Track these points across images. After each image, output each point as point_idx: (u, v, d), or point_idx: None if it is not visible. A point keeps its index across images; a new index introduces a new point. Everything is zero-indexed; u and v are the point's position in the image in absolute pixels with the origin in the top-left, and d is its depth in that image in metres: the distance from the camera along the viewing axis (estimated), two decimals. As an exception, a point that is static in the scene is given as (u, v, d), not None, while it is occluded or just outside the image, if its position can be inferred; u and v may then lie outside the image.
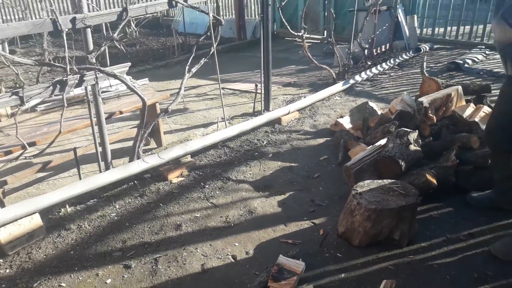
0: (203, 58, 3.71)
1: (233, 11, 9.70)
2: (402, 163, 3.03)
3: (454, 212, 2.92)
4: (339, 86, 5.57)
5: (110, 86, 4.41)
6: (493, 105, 3.93)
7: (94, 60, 2.84)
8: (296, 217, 2.98)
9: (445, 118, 3.61)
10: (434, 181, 2.96)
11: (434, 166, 3.08)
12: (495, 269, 2.38)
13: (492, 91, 4.51)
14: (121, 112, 3.78)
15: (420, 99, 3.59)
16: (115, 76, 2.93)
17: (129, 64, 3.22)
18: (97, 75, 2.89)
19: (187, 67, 3.63)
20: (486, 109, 3.54)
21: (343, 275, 2.41)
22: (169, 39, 9.09)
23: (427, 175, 2.94)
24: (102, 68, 2.84)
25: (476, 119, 3.39)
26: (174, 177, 3.57)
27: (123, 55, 8.01)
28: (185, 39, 8.51)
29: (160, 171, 3.58)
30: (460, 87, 3.75)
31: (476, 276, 2.35)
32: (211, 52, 3.82)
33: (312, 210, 3.05)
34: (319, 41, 8.92)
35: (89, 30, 2.89)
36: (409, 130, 3.25)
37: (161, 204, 3.22)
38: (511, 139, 2.57)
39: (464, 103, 3.73)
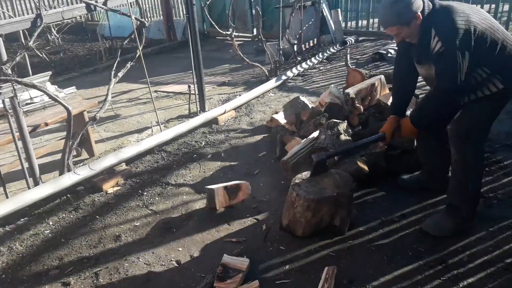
0: (129, 62, 3.62)
1: (161, 12, 9.52)
2: (335, 153, 3.14)
3: (387, 195, 3.08)
4: (272, 83, 5.66)
5: (31, 98, 4.17)
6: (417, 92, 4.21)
7: (9, 71, 2.67)
8: (239, 215, 2.99)
9: (371, 107, 3.80)
10: (366, 167, 3.10)
11: (364, 154, 3.23)
12: (427, 245, 2.55)
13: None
14: (46, 124, 3.59)
15: (346, 91, 3.74)
16: (34, 87, 2.78)
17: (50, 73, 3.07)
18: (15, 87, 2.72)
19: (113, 72, 3.52)
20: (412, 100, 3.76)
21: (287, 266, 2.46)
22: (96, 45, 8.75)
23: (359, 163, 3.08)
24: (19, 79, 2.68)
25: (400, 106, 3.59)
26: (110, 187, 3.45)
27: (46, 64, 7.59)
28: (112, 43, 8.23)
29: (94, 182, 3.44)
30: (382, 77, 3.96)
31: (411, 253, 2.50)
32: (137, 55, 3.73)
33: (254, 207, 3.08)
34: (250, 39, 9.00)
35: (0, 39, 2.71)
36: (338, 121, 3.38)
37: (97, 216, 3.10)
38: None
39: (387, 91, 3.94)
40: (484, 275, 2.30)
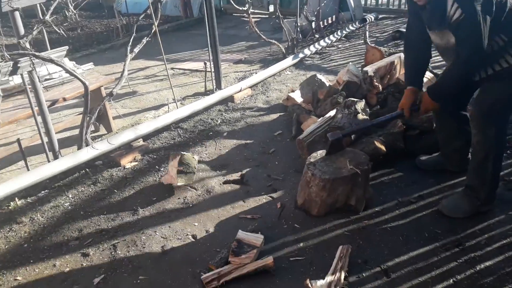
0: (145, 37, 3.61)
1: (178, -12, 9.42)
2: (352, 132, 3.11)
3: (404, 176, 3.05)
4: (289, 61, 5.59)
5: (49, 74, 4.20)
6: (435, 71, 4.11)
7: (27, 45, 2.68)
8: (254, 193, 3.01)
9: (390, 86, 3.73)
10: (383, 147, 3.07)
11: (382, 134, 3.19)
12: (444, 227, 2.52)
13: (433, 57, 4.69)
14: (64, 99, 3.62)
15: (365, 69, 3.67)
16: (51, 61, 2.79)
17: (66, 47, 3.08)
18: (33, 61, 2.73)
19: (129, 48, 3.51)
20: (428, 75, 3.68)
21: (301, 244, 2.48)
22: (113, 21, 8.73)
23: (376, 143, 3.04)
24: (37, 53, 2.69)
25: (420, 85, 3.52)
26: (127, 162, 3.49)
27: (64, 40, 7.62)
28: (129, 20, 8.20)
29: (112, 157, 3.49)
30: (402, 55, 3.87)
31: (427, 235, 2.48)
32: (152, 31, 3.71)
33: (269, 185, 3.09)
34: (267, 16, 8.87)
35: (17, 13, 2.72)
36: (356, 99, 3.33)
37: (115, 190, 3.15)
38: (455, 101, 2.70)
39: (408, 70, 3.85)
40: (502, 258, 2.28)
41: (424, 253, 2.35)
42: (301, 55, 5.79)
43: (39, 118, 3.18)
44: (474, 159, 2.58)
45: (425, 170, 3.05)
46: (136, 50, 3.61)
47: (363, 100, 3.43)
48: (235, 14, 9.11)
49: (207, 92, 4.92)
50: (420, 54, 2.64)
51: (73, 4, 8.74)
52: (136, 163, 3.51)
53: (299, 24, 6.21)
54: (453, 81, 2.38)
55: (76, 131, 4.10)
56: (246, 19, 5.73)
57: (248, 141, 3.76)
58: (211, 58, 4.77)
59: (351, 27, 7.00)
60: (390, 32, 6.65)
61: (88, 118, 3.34)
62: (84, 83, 3.14)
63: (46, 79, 5.37)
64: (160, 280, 2.31)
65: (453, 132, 2.85)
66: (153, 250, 2.52)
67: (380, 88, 3.62)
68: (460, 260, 2.28)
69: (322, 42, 6.29)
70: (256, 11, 8.60)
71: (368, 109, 3.43)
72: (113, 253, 2.52)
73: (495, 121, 2.42)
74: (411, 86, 2.66)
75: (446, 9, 2.16)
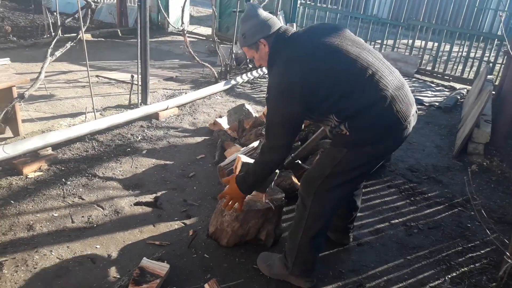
0: (69, 42, 3.41)
1: (116, -4, 9.16)
2: (272, 166, 3.14)
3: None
4: (220, 86, 5.60)
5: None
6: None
7: None
8: (166, 218, 2.89)
9: (311, 125, 3.85)
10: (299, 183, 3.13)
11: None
12: (347, 267, 2.59)
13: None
14: (-33, 94, 3.27)
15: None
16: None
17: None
18: None
19: (49, 50, 3.28)
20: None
21: (209, 275, 2.40)
22: (39, 17, 8.21)
23: (293, 178, 3.10)
24: None
25: (340, 127, 3.67)
26: (31, 171, 3.20)
27: (-21, 28, 7.01)
28: (58, 19, 7.76)
29: (14, 163, 3.18)
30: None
31: (331, 273, 2.52)
32: (78, 37, 3.52)
33: (184, 210, 2.99)
34: (204, 38, 8.88)
35: None
36: (280, 134, 3.38)
37: (12, 201, 2.86)
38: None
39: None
40: (397, 301, 2.38)
41: (327, 293, 2.39)
42: (233, 82, 5.84)
43: None
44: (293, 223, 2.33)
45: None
46: (58, 53, 3.39)
47: (286, 135, 3.50)
48: (172, 31, 9.02)
49: (131, 106, 4.74)
50: None
51: (-4, -7, 8.13)
52: (41, 173, 3.23)
53: (234, 51, 6.28)
54: (254, 172, 2.20)
55: (-23, 131, 3.71)
56: (182, 38, 5.67)
57: (168, 162, 3.65)
58: (139, 70, 4.63)
59: (283, 62, 7.21)
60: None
61: (-9, 119, 3.03)
62: (-9, 81, 2.86)
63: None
64: (48, 306, 2.10)
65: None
66: (46, 272, 2.30)
67: (302, 126, 3.72)
68: (360, 302, 2.35)
69: (254, 73, 6.40)
70: (192, 31, 8.58)
71: (290, 144, 3.50)
72: (-3, 272, 2.26)
73: (317, 193, 2.13)
74: None
75: None
